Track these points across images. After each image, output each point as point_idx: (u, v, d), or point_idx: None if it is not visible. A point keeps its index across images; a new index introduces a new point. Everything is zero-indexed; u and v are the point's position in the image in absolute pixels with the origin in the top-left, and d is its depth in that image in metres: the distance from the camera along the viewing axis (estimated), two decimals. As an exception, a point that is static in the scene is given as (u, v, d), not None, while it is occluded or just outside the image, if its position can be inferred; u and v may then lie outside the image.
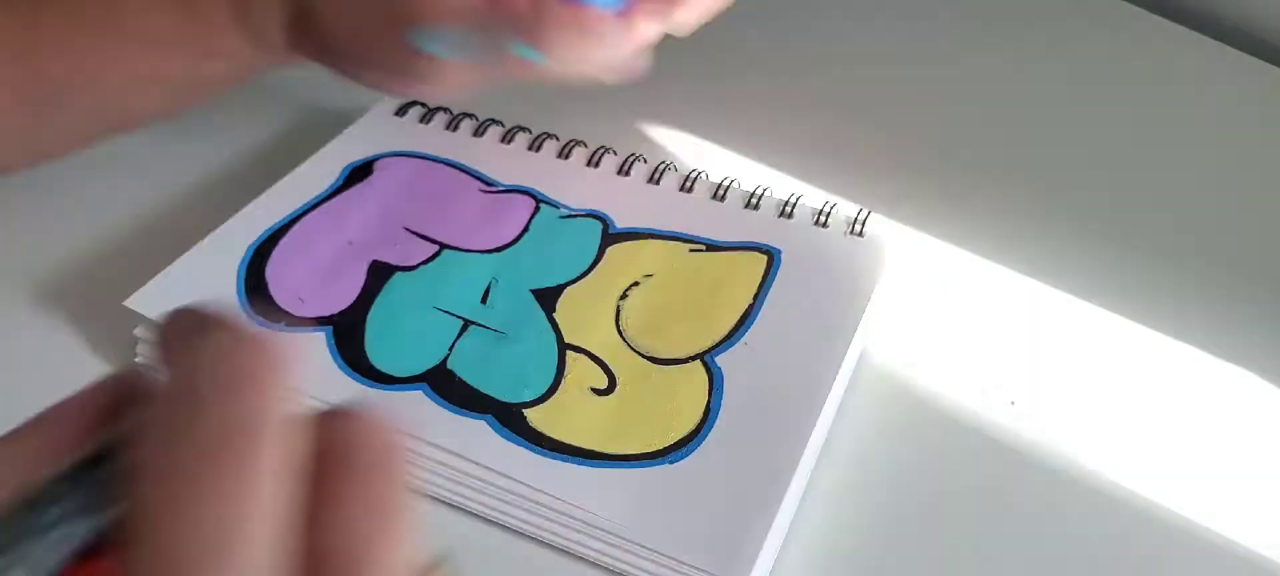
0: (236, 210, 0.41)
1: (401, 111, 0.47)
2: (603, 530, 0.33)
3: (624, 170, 0.45)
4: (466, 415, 0.35)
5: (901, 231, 0.46)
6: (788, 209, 0.44)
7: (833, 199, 0.44)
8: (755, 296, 0.40)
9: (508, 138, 0.46)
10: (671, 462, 0.35)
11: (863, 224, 0.44)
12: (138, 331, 0.37)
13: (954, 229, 0.47)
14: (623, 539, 0.33)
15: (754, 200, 0.44)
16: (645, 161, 0.45)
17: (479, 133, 0.46)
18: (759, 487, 0.34)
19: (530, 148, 0.46)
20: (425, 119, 0.47)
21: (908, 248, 0.45)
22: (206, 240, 0.40)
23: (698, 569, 0.32)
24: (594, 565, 0.33)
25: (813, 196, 0.44)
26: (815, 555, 0.34)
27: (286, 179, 0.43)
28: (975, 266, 0.46)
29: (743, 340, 0.39)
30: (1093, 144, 0.50)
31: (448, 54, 0.37)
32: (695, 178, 0.45)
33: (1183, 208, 0.47)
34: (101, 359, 0.37)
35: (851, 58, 0.56)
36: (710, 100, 0.52)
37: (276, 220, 0.41)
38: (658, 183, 0.45)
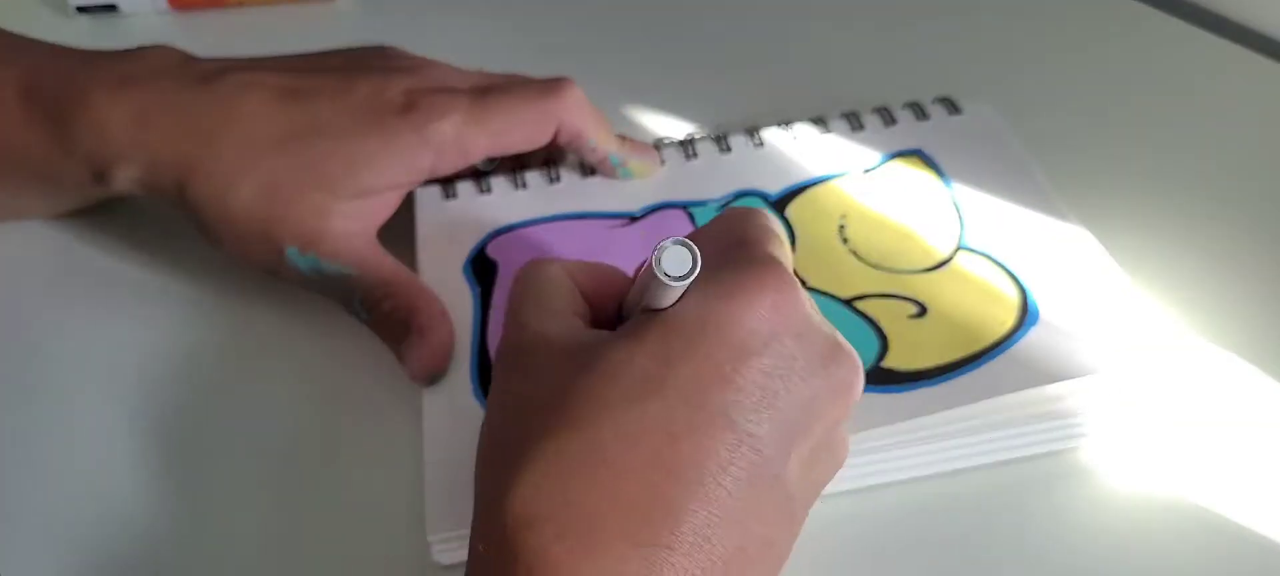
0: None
1: (448, 194, 0.43)
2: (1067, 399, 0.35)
3: (723, 147, 0.44)
4: None
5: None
6: (890, 116, 0.45)
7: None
8: (943, 184, 0.42)
9: (588, 172, 0.43)
10: (1032, 324, 0.36)
11: (956, 104, 0.46)
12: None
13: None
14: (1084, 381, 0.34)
15: (857, 122, 0.45)
16: (705, 137, 0.45)
17: (554, 180, 0.44)
18: (1112, 287, 0.37)
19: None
20: (484, 189, 0.43)
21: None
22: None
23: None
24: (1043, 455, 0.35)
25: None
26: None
27: None
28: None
29: (965, 221, 0.40)
30: (1091, 140, 0.48)
31: (307, 277, 0.39)
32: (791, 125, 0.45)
33: (1202, 207, 0.45)
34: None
35: (846, 53, 0.54)
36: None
37: (465, 365, 0.38)
38: (728, 149, 0.44)
